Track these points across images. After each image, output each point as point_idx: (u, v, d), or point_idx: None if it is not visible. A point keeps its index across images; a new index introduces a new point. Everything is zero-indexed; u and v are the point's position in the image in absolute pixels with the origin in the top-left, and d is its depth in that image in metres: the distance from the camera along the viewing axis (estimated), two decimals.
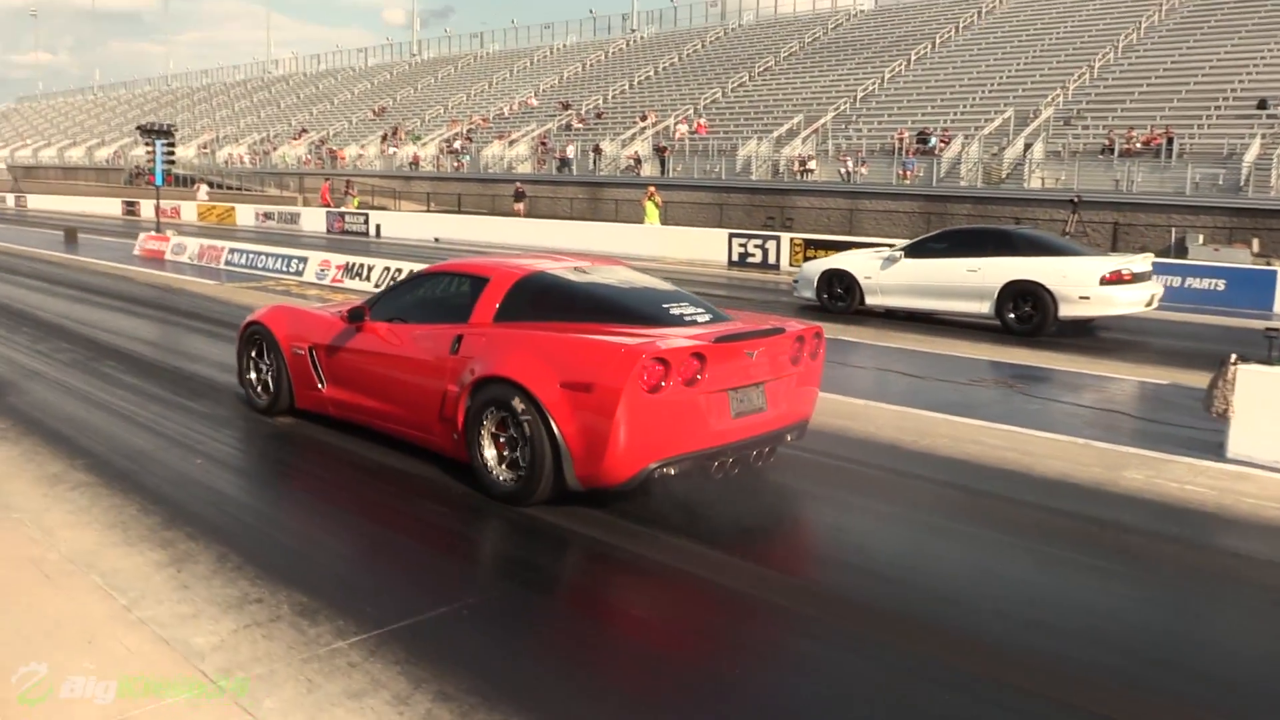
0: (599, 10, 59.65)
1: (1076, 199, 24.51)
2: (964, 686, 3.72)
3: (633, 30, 57.40)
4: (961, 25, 41.70)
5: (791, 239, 23.05)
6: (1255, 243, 22.47)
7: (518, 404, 5.35)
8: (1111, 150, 28.32)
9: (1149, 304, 12.93)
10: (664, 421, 5.18)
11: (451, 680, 3.57)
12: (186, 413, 7.87)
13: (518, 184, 39.25)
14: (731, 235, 25.00)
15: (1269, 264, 19.15)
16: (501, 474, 5.55)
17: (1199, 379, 9.79)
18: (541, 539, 5.17)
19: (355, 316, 6.70)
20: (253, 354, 7.63)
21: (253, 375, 7.65)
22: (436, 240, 30.50)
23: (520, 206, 37.55)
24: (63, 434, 6.91)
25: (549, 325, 5.72)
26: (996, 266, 12.93)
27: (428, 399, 6.03)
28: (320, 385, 7.01)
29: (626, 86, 48.81)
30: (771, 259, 23.25)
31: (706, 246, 25.20)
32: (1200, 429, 7.65)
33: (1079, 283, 12.46)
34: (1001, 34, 39.50)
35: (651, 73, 49.47)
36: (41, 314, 12.86)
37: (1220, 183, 26.20)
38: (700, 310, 6.08)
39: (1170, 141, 27.46)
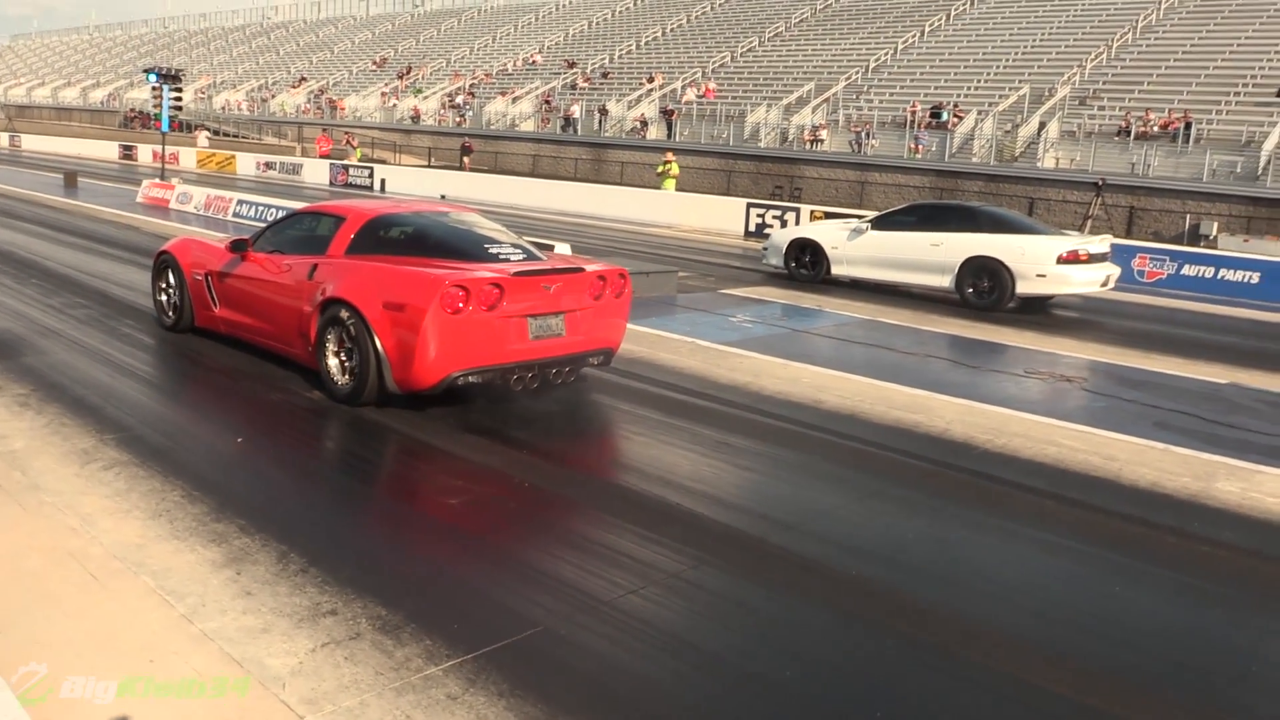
0: None
1: (1101, 182, 24.10)
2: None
3: None
4: None
5: (812, 211, 22.53)
6: None
7: (350, 320, 6.43)
8: (1128, 132, 27.86)
9: (1104, 284, 13.19)
10: (464, 338, 6.22)
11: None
12: (218, 383, 7.47)
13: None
14: (749, 205, 24.42)
15: None
16: (340, 379, 6.63)
17: (1256, 378, 9.59)
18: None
19: (237, 247, 7.70)
20: (162, 279, 8.70)
21: (162, 298, 8.73)
22: (443, 197, 29.83)
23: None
24: (89, 402, 6.46)
25: (386, 258, 6.81)
26: (958, 242, 13.16)
27: (291, 318, 7.08)
28: (214, 306, 8.05)
29: (633, 47, 47.91)
30: None
31: (723, 216, 24.57)
32: (1276, 435, 7.36)
33: (1036, 260, 12.66)
34: (1017, 9, 38.77)
35: (659, 33, 48.55)
36: (49, 264, 12.34)
37: (1238, 170, 25.79)
38: (517, 250, 7.11)
39: (1188, 126, 27.01)
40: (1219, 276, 17.10)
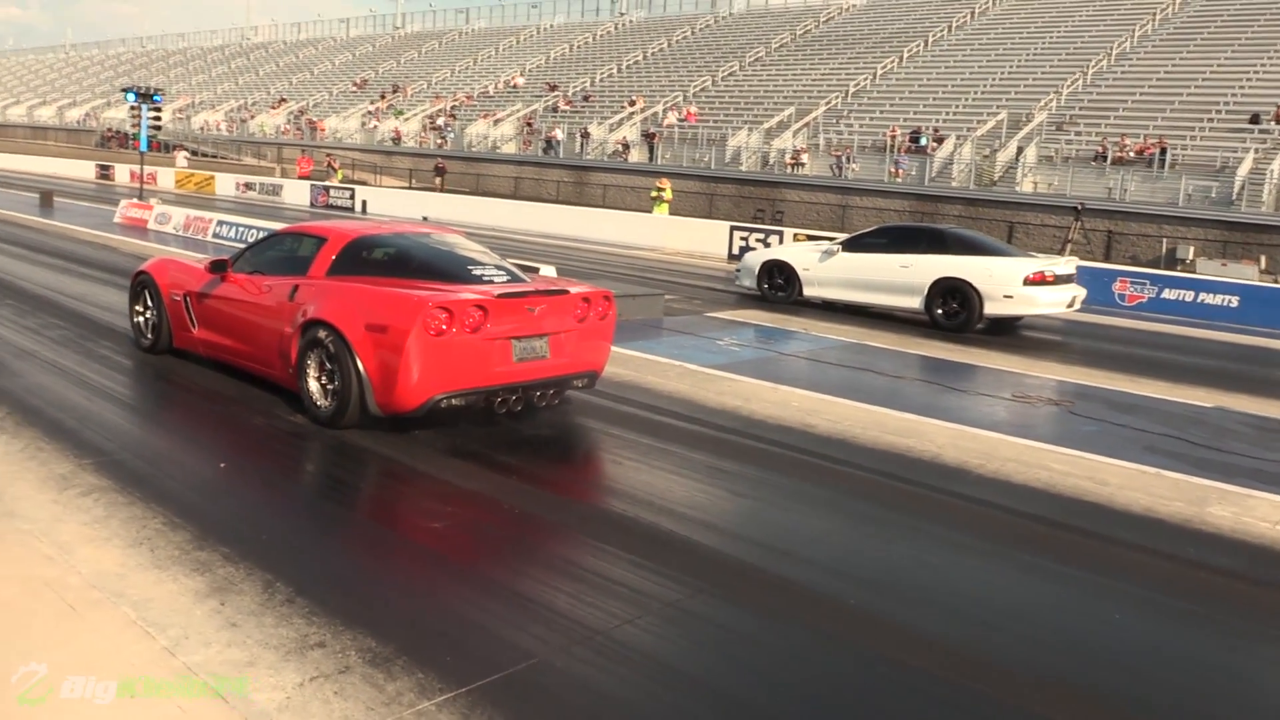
0: None
1: (1080, 206, 24.29)
2: None
3: (621, 14, 56.52)
4: (954, 25, 41.37)
5: (795, 234, 22.56)
6: (1263, 259, 22.30)
7: (332, 342, 6.35)
8: (1104, 158, 28.13)
9: (1070, 305, 13.33)
10: (448, 360, 6.17)
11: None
12: (198, 406, 7.33)
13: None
14: (733, 228, 24.44)
15: (1276, 281, 18.93)
16: (321, 401, 6.54)
17: (1241, 402, 9.63)
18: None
19: (217, 268, 7.66)
20: (139, 300, 8.57)
21: (140, 319, 8.59)
22: (425, 219, 29.73)
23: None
24: (66, 426, 6.32)
25: (369, 279, 6.72)
26: (927, 263, 13.28)
27: (271, 339, 7.00)
28: (193, 328, 7.96)
29: (615, 70, 48.11)
30: None
31: (707, 238, 24.58)
32: (1264, 459, 7.35)
33: (1003, 282, 12.79)
34: (994, 35, 39.24)
35: (640, 57, 48.78)
36: (25, 284, 12.15)
37: (1213, 195, 26.06)
38: (500, 272, 7.03)
39: (1163, 152, 27.29)
40: (1199, 300, 17.20)
